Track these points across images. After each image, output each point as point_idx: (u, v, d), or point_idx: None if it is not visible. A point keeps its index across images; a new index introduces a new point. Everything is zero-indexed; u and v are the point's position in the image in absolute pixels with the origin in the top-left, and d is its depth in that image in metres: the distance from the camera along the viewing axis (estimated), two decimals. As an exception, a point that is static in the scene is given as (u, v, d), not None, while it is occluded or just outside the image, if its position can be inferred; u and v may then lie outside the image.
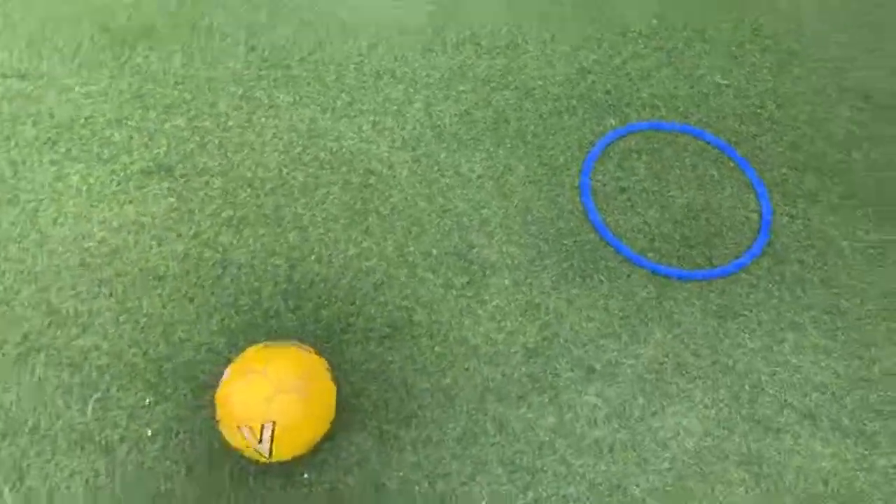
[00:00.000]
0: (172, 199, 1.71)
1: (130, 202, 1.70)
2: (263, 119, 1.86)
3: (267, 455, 1.26)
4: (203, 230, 1.67)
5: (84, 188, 1.71)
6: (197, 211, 1.70)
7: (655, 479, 1.43)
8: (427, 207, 1.74)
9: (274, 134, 1.84)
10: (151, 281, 1.58)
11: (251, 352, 1.32)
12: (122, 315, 1.53)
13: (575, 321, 1.60)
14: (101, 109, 1.85)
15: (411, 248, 1.68)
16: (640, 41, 2.10)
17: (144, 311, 1.54)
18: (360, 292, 1.61)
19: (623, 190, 1.80)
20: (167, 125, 1.83)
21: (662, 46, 2.09)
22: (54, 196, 1.69)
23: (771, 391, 1.53)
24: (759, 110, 1.97)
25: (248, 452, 1.27)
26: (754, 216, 1.77)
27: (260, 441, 1.24)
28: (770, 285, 1.67)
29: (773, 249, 1.72)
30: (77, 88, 1.88)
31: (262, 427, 1.22)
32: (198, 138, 1.81)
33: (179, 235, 1.66)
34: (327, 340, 1.54)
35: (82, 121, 1.82)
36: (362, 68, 1.98)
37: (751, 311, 1.63)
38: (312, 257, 1.65)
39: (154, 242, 1.64)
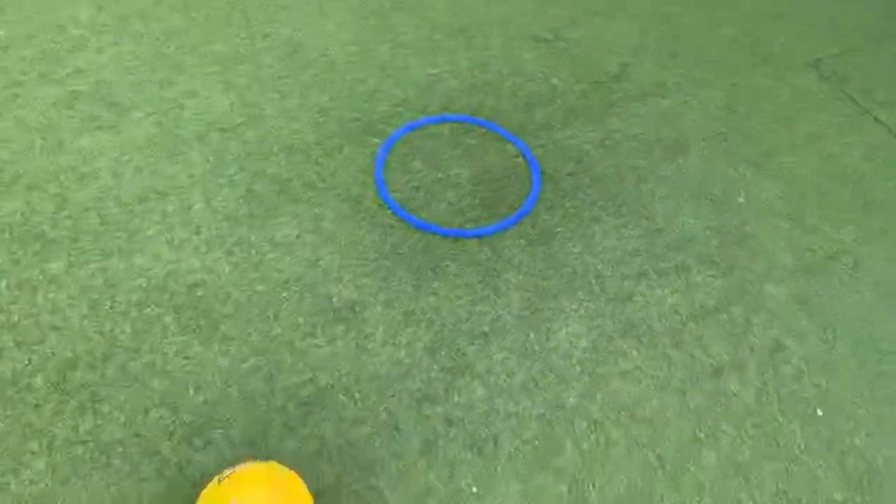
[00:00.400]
0: (-1, 424, 1.47)
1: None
2: (50, 295, 1.68)
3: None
4: (56, 438, 1.47)
5: None
6: (38, 423, 1.48)
7: (576, 383, 1.67)
8: (268, 288, 1.75)
9: (70, 304, 1.67)
10: None
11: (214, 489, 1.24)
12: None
13: (448, 306, 1.77)
14: None
15: (278, 330, 1.68)
16: (344, 69, 2.32)
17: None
18: (258, 392, 1.58)
19: (418, 188, 2.01)
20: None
21: (367, 65, 2.34)
22: None
23: (608, 274, 1.88)
24: (472, 81, 2.33)
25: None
26: (520, 160, 2.12)
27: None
28: (561, 200, 2.02)
29: (546, 178, 2.08)
30: None
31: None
32: (-14, 351, 1.57)
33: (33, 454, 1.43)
34: (264, 452, 1.48)
35: None
36: (120, 199, 1.88)
37: (559, 226, 1.97)
38: (191, 391, 1.56)
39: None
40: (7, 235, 1.77)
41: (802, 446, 1.63)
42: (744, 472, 1.58)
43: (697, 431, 1.63)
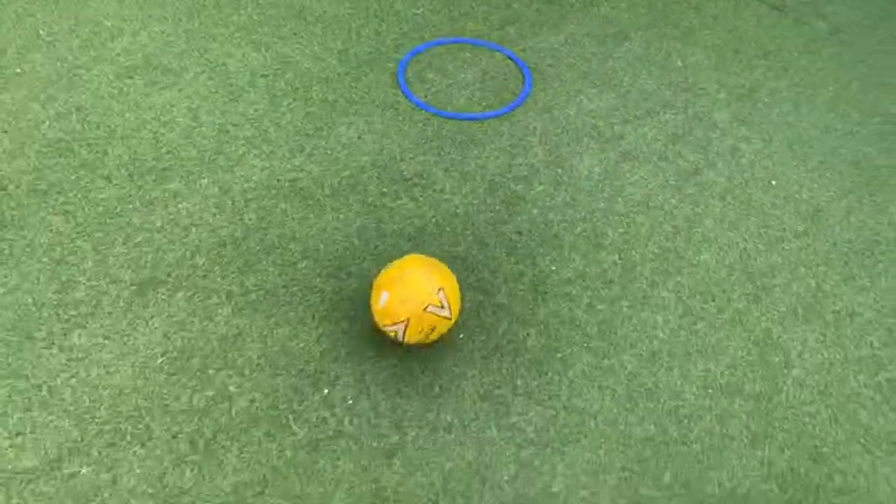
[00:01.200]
0: None
1: None
2: (179, 205, 2.04)
3: (450, 316, 1.66)
4: (231, 293, 1.85)
5: None
6: (212, 285, 1.86)
7: (601, 194, 2.21)
8: (352, 173, 2.18)
9: (198, 208, 2.04)
10: None
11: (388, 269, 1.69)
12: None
13: (492, 163, 2.26)
14: None
15: (371, 199, 2.12)
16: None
17: None
18: (371, 238, 2.01)
19: (437, 92, 2.50)
20: None
21: (363, 14, 2.81)
22: None
23: (601, 125, 2.44)
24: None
25: (432, 327, 1.65)
26: (509, 62, 2.65)
27: (442, 307, 1.63)
28: (549, 83, 2.57)
29: (532, 70, 2.63)
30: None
31: (439, 291, 1.63)
32: None
33: None
34: (388, 272, 1.92)
35: None
36: (205, 134, 2.26)
37: (554, 100, 2.51)
38: (321, 246, 1.98)
39: None
40: (124, 171, 2.12)
41: (768, 205, 2.24)
42: (733, 227, 2.16)
43: (695, 208, 2.21)
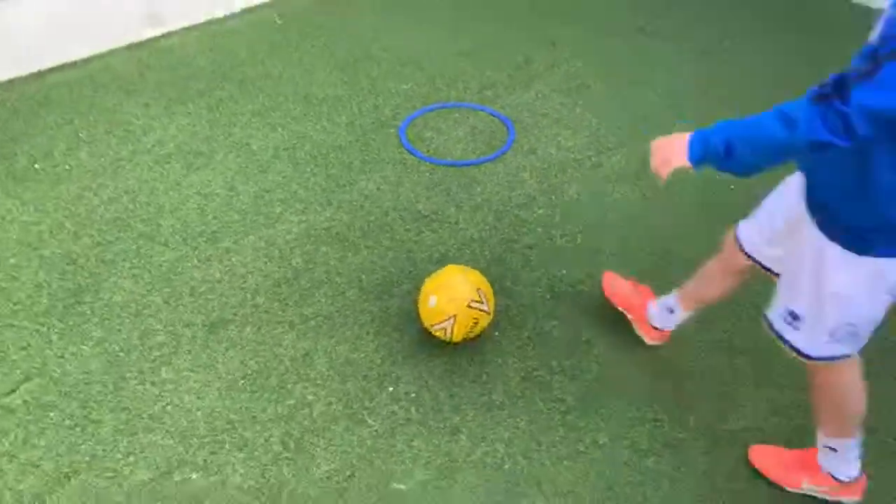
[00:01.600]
0: None
1: None
2: (232, 259, 2.33)
3: (489, 311, 1.96)
4: (305, 317, 2.12)
5: None
6: (282, 315, 2.13)
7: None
8: (377, 216, 2.52)
9: (249, 260, 2.33)
10: None
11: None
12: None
13: (495, 192, 2.63)
14: None
15: (398, 236, 2.44)
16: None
17: None
18: (405, 266, 2.32)
19: (436, 148, 2.90)
20: None
21: (360, 91, 3.24)
22: None
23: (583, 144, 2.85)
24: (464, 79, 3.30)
25: (475, 320, 1.94)
26: (493, 118, 3.09)
27: (482, 302, 1.94)
28: (529, 129, 3.00)
29: (514, 121, 3.06)
30: None
31: (478, 290, 1.93)
32: None
33: None
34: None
35: None
36: (243, 201, 2.58)
37: (537, 141, 2.93)
38: (362, 277, 2.28)
39: None
40: (178, 237, 2.41)
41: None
42: (706, 224, 2.54)
43: (671, 216, 2.59)
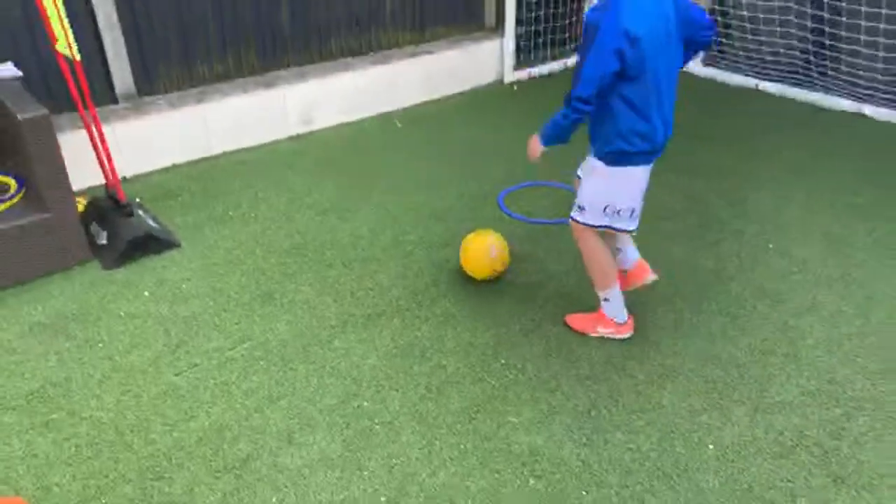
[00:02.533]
0: None
1: None
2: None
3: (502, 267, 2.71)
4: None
5: None
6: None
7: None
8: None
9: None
10: None
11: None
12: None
13: (569, 250, 3.37)
14: None
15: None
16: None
17: None
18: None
19: (529, 212, 3.70)
20: None
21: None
22: None
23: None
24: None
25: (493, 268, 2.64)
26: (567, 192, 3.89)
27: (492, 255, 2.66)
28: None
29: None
30: None
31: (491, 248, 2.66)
32: None
33: None
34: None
35: None
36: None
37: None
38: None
39: None
40: (339, 261, 3.23)
41: (768, 257, 3.28)
42: (748, 270, 3.19)
43: (719, 261, 3.25)
